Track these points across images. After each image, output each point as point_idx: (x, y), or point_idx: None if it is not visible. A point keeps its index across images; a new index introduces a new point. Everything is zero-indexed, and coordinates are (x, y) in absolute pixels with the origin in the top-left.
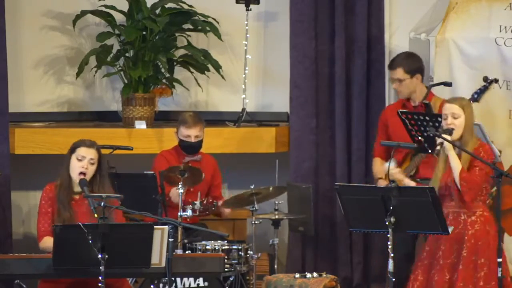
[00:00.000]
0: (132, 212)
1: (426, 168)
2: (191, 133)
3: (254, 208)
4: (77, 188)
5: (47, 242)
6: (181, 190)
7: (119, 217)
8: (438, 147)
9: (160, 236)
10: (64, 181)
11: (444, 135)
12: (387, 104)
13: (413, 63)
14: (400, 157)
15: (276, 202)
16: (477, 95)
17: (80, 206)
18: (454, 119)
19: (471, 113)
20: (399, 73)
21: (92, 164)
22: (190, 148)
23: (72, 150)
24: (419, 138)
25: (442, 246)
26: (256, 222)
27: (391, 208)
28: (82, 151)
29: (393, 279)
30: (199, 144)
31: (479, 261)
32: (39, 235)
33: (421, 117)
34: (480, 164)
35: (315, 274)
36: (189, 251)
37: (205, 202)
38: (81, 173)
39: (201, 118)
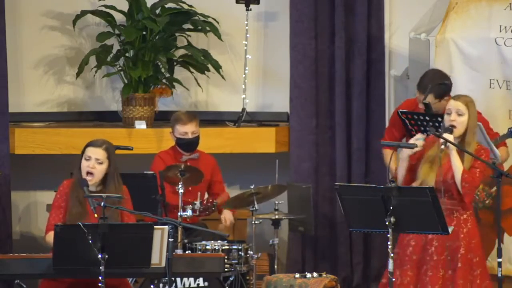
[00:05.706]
0: (132, 212)
1: None
2: (187, 130)
3: (254, 208)
4: (91, 187)
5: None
6: (181, 190)
7: (129, 218)
8: (442, 147)
9: (160, 236)
10: (77, 180)
11: (445, 135)
12: (387, 104)
13: (444, 87)
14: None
15: (276, 202)
16: None
17: None
18: (458, 116)
19: (474, 113)
20: (430, 98)
21: (100, 163)
22: (188, 145)
23: (83, 150)
24: None
25: (434, 242)
26: (256, 222)
27: (391, 208)
28: (89, 151)
29: (393, 279)
30: (196, 140)
31: (474, 260)
32: (47, 228)
33: (421, 117)
34: (480, 166)
35: (315, 274)
36: (189, 251)
37: (205, 202)
38: (88, 173)
39: (195, 114)
